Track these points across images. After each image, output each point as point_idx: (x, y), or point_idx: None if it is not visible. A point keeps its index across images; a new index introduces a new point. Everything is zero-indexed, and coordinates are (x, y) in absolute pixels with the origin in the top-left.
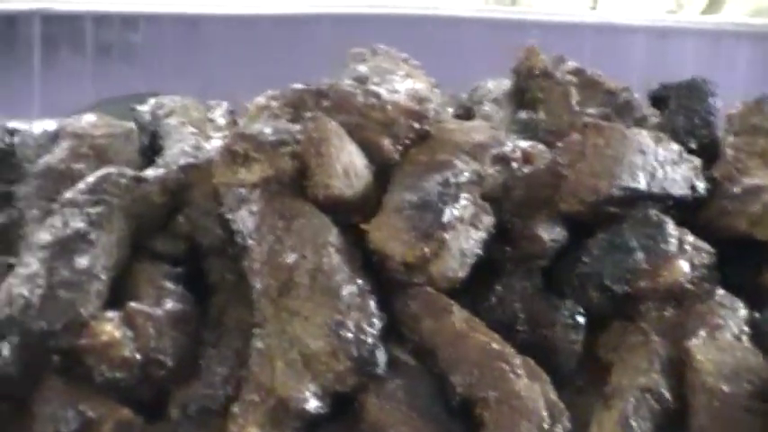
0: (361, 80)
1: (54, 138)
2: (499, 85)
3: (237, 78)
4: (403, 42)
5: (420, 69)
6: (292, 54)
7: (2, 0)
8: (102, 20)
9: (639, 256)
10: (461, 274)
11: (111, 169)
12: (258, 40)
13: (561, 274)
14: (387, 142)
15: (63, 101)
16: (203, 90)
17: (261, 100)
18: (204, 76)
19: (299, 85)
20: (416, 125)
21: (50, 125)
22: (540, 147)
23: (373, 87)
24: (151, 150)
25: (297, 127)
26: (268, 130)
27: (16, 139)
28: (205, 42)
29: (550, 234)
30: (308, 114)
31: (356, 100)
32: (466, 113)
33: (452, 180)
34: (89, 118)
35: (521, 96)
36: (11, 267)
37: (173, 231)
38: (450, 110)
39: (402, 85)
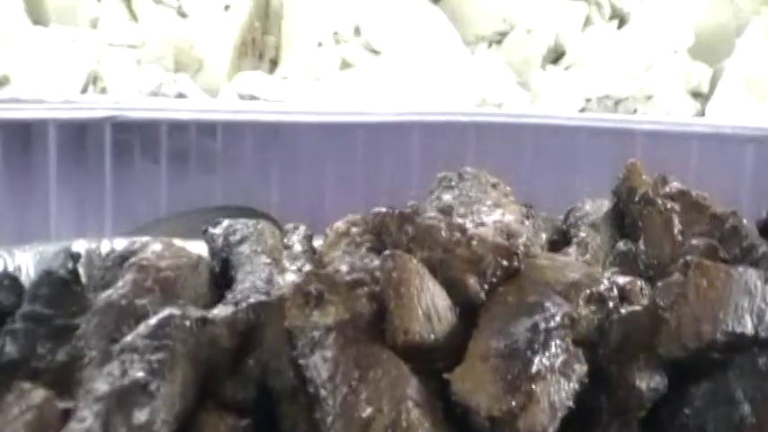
0: (446, 211)
1: (120, 262)
2: (598, 207)
3: (320, 188)
4: (500, 150)
5: (510, 196)
6: (379, 163)
7: (73, 107)
8: (177, 127)
9: (746, 409)
10: (551, 429)
11: (175, 311)
12: (343, 149)
13: (661, 424)
14: (473, 281)
15: (136, 210)
16: (283, 201)
17: (341, 226)
18: (285, 187)
19: (381, 209)
20: (505, 262)
21: (119, 244)
22: (639, 283)
23: (459, 220)
24: (223, 278)
25: (375, 262)
26: (344, 269)
27: (81, 261)
28: (286, 151)
29: (649, 382)
30: (388, 251)
31: (440, 235)
32: (561, 238)
33: (542, 325)
34: (155, 247)
35: (620, 219)
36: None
37: (243, 375)
38: (545, 236)
39: (490, 217)
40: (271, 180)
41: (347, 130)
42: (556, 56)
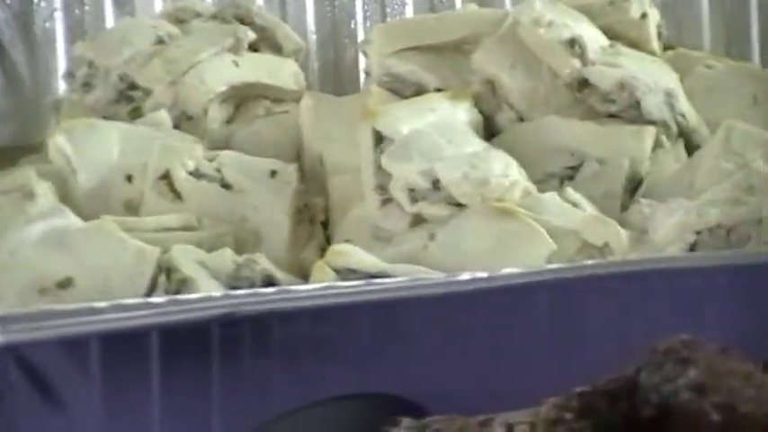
0: (700, 389)
1: None
2: None
3: (442, 364)
4: (627, 302)
5: (743, 361)
6: (503, 333)
7: (176, 309)
8: (289, 317)
9: None
10: None
11: None
12: (464, 320)
13: None
14: None
15: (247, 409)
16: (407, 382)
17: (550, 413)
18: (405, 366)
19: (585, 389)
20: None
21: None
22: None
23: (715, 398)
24: None
25: None
26: None
27: None
28: (406, 329)
29: None
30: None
31: (708, 419)
32: None
33: None
34: None
35: None
36: None
37: None
38: None
39: (745, 391)
40: (388, 361)
41: (467, 299)
42: (634, 184)
